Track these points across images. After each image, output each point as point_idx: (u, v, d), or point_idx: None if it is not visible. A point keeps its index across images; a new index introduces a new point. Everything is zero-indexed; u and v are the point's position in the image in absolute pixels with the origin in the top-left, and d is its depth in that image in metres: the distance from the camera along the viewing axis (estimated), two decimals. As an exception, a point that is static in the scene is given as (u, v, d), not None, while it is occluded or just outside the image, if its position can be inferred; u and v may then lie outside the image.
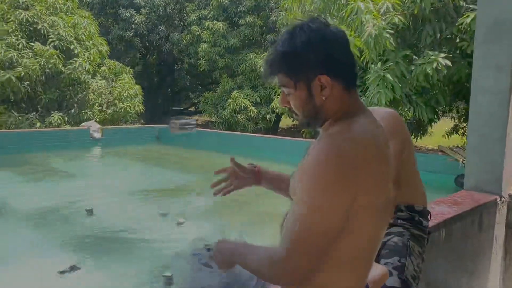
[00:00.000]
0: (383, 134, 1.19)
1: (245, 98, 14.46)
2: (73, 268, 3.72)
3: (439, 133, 11.79)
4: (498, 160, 3.02)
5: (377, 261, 1.90)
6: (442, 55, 5.78)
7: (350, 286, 1.18)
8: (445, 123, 12.94)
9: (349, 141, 1.08)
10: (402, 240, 1.91)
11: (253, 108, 14.31)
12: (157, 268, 3.84)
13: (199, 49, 16.13)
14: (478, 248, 2.87)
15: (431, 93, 6.50)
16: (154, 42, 18.87)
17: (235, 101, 14.41)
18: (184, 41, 18.03)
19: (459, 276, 2.69)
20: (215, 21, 16.20)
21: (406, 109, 6.44)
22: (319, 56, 1.10)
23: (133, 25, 17.99)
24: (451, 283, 2.59)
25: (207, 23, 16.17)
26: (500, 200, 3.04)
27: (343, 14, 6.36)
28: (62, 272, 3.66)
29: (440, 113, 11.84)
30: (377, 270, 1.59)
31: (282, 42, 1.14)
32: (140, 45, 18.82)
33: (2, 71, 10.97)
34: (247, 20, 15.90)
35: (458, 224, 2.60)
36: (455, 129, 11.62)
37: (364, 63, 6.33)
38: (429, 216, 2.05)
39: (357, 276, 1.19)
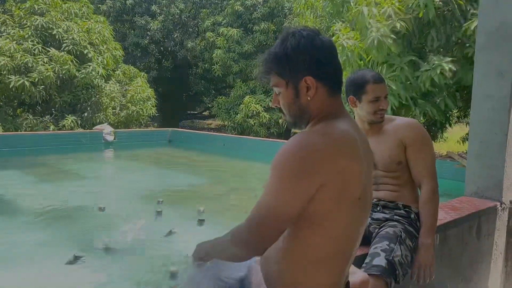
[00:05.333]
0: (363, 139, 1.27)
1: (257, 104, 14.49)
2: (79, 258, 3.83)
3: (455, 139, 11.62)
4: (499, 166, 2.99)
5: (368, 248, 1.94)
6: (448, 59, 5.70)
7: (327, 282, 1.22)
8: (461, 129, 12.70)
9: (321, 136, 1.16)
10: (394, 230, 1.98)
11: (265, 113, 14.34)
12: (161, 262, 3.88)
13: (213, 55, 16.27)
14: (477, 254, 2.83)
15: (438, 96, 6.40)
16: (169, 48, 19.07)
17: (247, 107, 14.47)
18: (199, 47, 18.20)
19: (455, 282, 2.66)
20: (229, 28, 16.33)
21: (415, 114, 6.36)
22: (306, 59, 1.20)
23: (148, 32, 18.25)
24: (446, 289, 2.56)
25: (221, 30, 16.31)
26: (501, 206, 3.00)
27: (349, 17, 6.33)
28: (69, 263, 3.77)
29: (455, 119, 11.63)
30: (357, 276, 1.59)
31: (275, 46, 1.25)
32: (156, 51, 19.03)
33: (17, 76, 11.17)
34: (261, 27, 16.00)
35: (455, 230, 2.59)
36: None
37: (370, 66, 6.31)
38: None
39: (334, 272, 1.24)
